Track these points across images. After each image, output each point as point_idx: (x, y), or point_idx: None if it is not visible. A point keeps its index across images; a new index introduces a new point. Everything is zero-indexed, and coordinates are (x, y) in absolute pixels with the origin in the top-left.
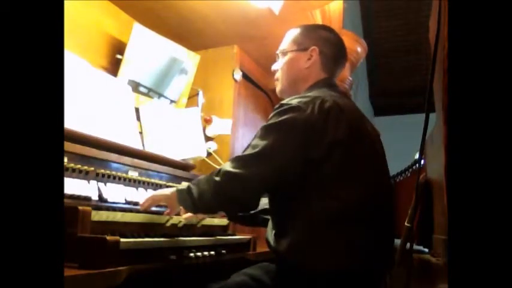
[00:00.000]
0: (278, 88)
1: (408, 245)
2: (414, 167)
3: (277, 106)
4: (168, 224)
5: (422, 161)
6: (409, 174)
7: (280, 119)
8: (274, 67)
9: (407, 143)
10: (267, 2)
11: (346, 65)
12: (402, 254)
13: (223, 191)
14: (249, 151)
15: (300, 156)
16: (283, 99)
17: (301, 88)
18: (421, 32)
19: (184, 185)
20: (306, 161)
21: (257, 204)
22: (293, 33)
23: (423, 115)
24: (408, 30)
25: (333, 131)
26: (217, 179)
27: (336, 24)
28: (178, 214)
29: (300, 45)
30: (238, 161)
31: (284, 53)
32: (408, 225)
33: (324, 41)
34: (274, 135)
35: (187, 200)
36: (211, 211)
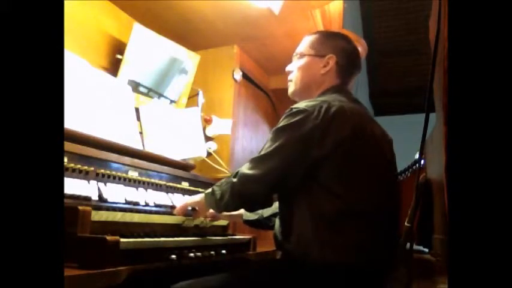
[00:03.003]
0: (291, 89)
1: (408, 245)
2: (414, 167)
3: (287, 110)
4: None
5: (422, 161)
6: (409, 174)
7: (289, 122)
8: (288, 68)
9: (407, 143)
10: (267, 2)
11: (358, 74)
12: (402, 254)
13: (240, 191)
14: (263, 152)
15: (305, 155)
16: (291, 100)
17: (313, 93)
18: (421, 32)
19: (210, 188)
20: (310, 160)
21: (271, 201)
22: (312, 38)
23: (423, 115)
24: (408, 30)
25: (336, 132)
26: (234, 180)
27: (336, 24)
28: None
29: (318, 51)
30: (252, 162)
31: (301, 56)
32: (408, 225)
33: (341, 51)
34: (284, 136)
35: (212, 202)
36: (232, 210)
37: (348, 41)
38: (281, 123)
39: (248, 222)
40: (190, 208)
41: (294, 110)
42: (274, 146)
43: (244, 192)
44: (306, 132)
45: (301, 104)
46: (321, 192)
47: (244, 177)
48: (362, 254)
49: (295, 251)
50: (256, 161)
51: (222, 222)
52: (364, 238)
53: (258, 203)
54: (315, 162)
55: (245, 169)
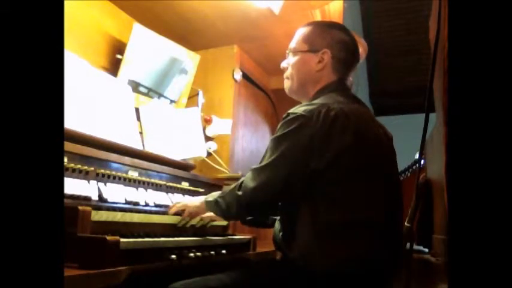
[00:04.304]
0: (287, 87)
1: (408, 245)
2: (414, 167)
3: (284, 115)
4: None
5: (422, 161)
6: (409, 174)
7: (287, 129)
8: (283, 64)
9: (407, 143)
10: (267, 2)
11: (357, 66)
12: (402, 254)
13: (247, 204)
14: (264, 162)
15: (305, 165)
16: (291, 100)
17: (310, 90)
18: (421, 32)
19: (212, 195)
20: (311, 169)
21: (277, 207)
22: (305, 31)
23: (423, 115)
24: (408, 30)
25: (338, 139)
26: (239, 193)
27: None
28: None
29: (312, 46)
30: (255, 172)
31: (295, 52)
32: (408, 225)
33: (337, 44)
34: (283, 145)
35: (217, 211)
36: (240, 219)
37: (344, 30)
38: (279, 131)
39: (245, 222)
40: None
41: (291, 115)
42: (274, 156)
43: (251, 205)
44: (305, 141)
45: (299, 109)
46: (323, 201)
47: (249, 190)
48: (365, 264)
49: (296, 257)
50: (258, 172)
51: (222, 222)
52: (367, 248)
53: (265, 212)
54: (316, 171)
55: (248, 180)
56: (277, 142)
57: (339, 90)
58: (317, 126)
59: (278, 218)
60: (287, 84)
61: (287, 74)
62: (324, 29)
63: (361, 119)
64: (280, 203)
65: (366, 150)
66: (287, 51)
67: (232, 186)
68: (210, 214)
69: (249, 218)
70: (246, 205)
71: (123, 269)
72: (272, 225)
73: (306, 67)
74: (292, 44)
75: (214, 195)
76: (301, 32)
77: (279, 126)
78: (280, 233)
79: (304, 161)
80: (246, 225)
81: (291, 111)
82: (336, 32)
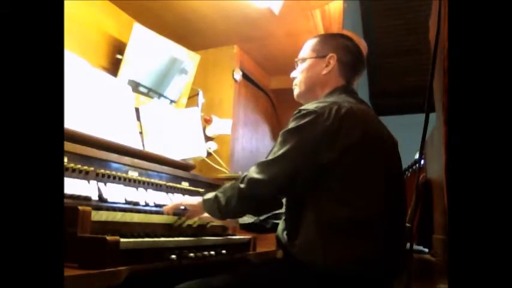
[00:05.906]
0: (296, 92)
1: (408, 245)
2: (414, 167)
3: (296, 111)
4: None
5: (422, 161)
6: (409, 174)
7: (298, 124)
8: (292, 74)
9: (407, 143)
10: (267, 2)
11: (363, 72)
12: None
13: (248, 197)
14: (271, 156)
15: (313, 159)
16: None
17: (318, 93)
18: (421, 32)
19: (210, 194)
20: (318, 165)
21: (281, 203)
22: (312, 41)
23: (423, 115)
24: (408, 30)
25: (346, 136)
26: (242, 186)
27: (336, 24)
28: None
29: (319, 52)
30: (260, 166)
31: (303, 60)
32: (408, 225)
33: (342, 49)
34: (293, 139)
35: (214, 208)
36: (238, 216)
37: (349, 39)
38: (290, 125)
39: (244, 226)
40: (182, 207)
41: (303, 111)
42: (283, 150)
43: (253, 198)
44: (315, 136)
45: (311, 106)
46: (329, 199)
47: (252, 182)
48: (368, 265)
49: (298, 255)
50: (264, 165)
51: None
52: (371, 249)
53: (266, 207)
54: (323, 167)
55: (253, 173)
56: (287, 136)
57: (347, 92)
58: (327, 123)
59: (282, 219)
60: (296, 90)
61: (296, 81)
62: (329, 37)
63: (368, 119)
64: (285, 202)
65: (371, 149)
66: (296, 60)
67: (233, 182)
68: (206, 215)
69: (248, 222)
70: (248, 197)
71: (123, 269)
72: (271, 229)
73: (314, 71)
74: (301, 54)
75: (214, 192)
76: (309, 42)
77: (290, 120)
78: (285, 232)
79: (312, 157)
80: (244, 230)
81: (302, 107)
82: (340, 39)
